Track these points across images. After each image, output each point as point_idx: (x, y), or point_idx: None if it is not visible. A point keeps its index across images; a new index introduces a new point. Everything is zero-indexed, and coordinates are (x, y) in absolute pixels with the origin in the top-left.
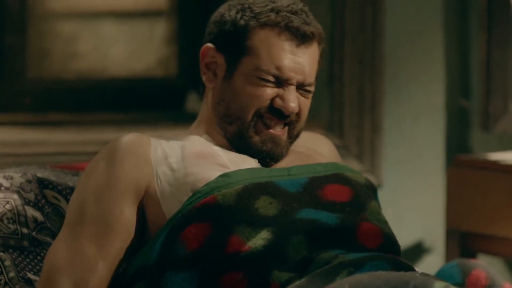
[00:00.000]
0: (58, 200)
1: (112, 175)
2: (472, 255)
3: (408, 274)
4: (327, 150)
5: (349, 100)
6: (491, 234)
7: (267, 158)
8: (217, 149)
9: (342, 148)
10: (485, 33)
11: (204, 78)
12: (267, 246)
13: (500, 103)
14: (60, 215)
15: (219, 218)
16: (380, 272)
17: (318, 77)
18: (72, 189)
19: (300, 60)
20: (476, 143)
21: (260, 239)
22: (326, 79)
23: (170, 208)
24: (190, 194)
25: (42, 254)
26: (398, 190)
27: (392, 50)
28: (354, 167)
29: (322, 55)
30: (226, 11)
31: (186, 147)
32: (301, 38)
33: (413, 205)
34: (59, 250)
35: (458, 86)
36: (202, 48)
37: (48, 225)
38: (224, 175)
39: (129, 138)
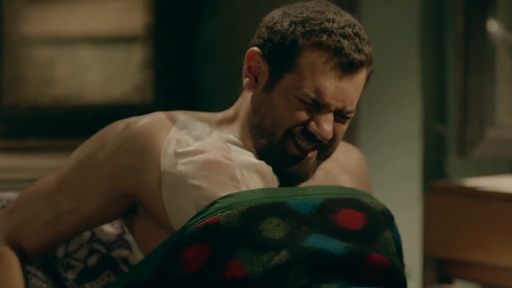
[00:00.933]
0: None
1: (107, 160)
2: (448, 281)
3: None
4: (356, 165)
5: None
6: (467, 260)
7: (291, 179)
8: (237, 155)
9: None
10: (462, 58)
11: (245, 81)
12: (267, 273)
13: (477, 128)
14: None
15: (220, 240)
16: None
17: None
18: None
19: (344, 87)
20: (453, 169)
21: (260, 265)
22: None
23: (175, 213)
24: (193, 206)
25: None
26: None
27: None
28: None
29: (369, 78)
30: (279, 19)
31: (203, 149)
32: (349, 66)
33: None
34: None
35: (435, 112)
36: (249, 50)
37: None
38: (230, 195)
39: (144, 126)
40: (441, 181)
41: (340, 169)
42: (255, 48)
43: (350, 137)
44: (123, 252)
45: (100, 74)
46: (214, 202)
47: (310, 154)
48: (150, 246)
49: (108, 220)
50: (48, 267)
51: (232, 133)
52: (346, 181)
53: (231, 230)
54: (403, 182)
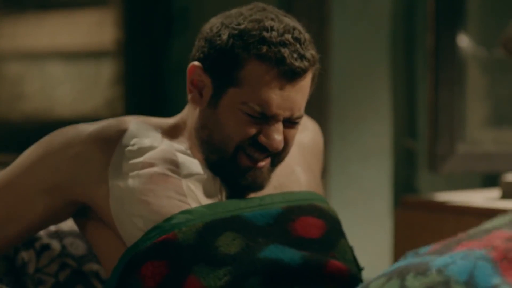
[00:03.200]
0: None
1: (55, 168)
2: None
3: None
4: (310, 140)
5: None
6: None
7: (246, 190)
8: (185, 166)
9: None
10: (432, 73)
11: (189, 96)
12: (223, 287)
13: (447, 143)
14: (5, 258)
15: (177, 257)
16: None
17: None
18: None
19: (289, 96)
20: (423, 183)
21: (217, 279)
22: None
23: (124, 226)
24: (141, 220)
25: None
26: (346, 231)
27: (339, 91)
28: None
29: (314, 79)
30: (218, 31)
31: (150, 161)
32: (292, 75)
33: (361, 246)
34: None
35: (405, 127)
36: (190, 65)
37: None
38: (185, 212)
39: (93, 134)
40: (411, 195)
41: (297, 156)
42: (196, 63)
43: None
44: (94, 266)
45: (70, 89)
46: (170, 218)
47: (262, 164)
48: (103, 248)
49: (57, 222)
50: (18, 283)
51: (180, 142)
52: (297, 180)
53: (188, 247)
54: (373, 197)
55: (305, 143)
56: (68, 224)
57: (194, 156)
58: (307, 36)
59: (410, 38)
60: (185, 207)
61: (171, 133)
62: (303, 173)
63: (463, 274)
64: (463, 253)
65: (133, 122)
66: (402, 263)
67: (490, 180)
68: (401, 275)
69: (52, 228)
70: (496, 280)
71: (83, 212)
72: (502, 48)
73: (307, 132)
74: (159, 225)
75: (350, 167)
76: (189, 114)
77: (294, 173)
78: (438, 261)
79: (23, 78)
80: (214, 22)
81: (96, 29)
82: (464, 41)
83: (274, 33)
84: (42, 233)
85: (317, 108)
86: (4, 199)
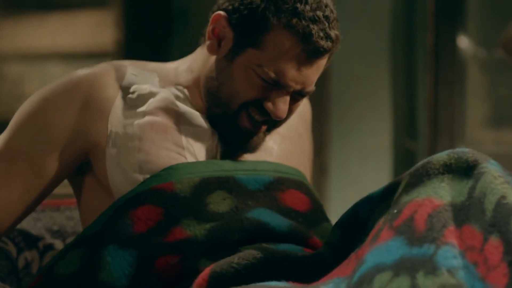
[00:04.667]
0: (6, 243)
1: (55, 122)
2: None
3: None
4: (301, 119)
5: None
6: None
7: (239, 150)
8: (185, 117)
9: None
10: (432, 74)
11: (207, 43)
12: (207, 237)
13: (447, 143)
14: (8, 258)
15: (172, 207)
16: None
17: None
18: (19, 232)
19: (306, 72)
20: None
21: (202, 229)
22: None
23: (115, 177)
24: (137, 168)
25: None
26: None
27: (338, 91)
28: None
29: (331, 56)
30: None
31: (151, 111)
32: (315, 53)
33: None
34: None
35: (405, 127)
36: (215, 13)
37: None
38: (185, 164)
39: (90, 82)
40: None
41: (280, 137)
42: (222, 13)
43: (320, 153)
44: None
45: None
46: (170, 168)
47: (259, 128)
48: (89, 207)
49: (64, 178)
50: (21, 283)
51: (183, 89)
52: (287, 150)
53: (183, 199)
54: None
55: (295, 115)
56: (71, 225)
57: (194, 105)
58: (335, 14)
59: (410, 37)
60: (182, 160)
61: (170, 78)
62: (294, 150)
63: (469, 286)
64: (464, 263)
65: (130, 67)
66: (398, 251)
67: None
68: (410, 272)
69: (55, 227)
70: None
71: (81, 169)
72: (502, 49)
73: (299, 110)
74: (159, 173)
75: (349, 167)
76: (200, 60)
77: (284, 142)
78: (441, 258)
79: (24, 79)
80: None
81: (96, 30)
82: (463, 41)
83: (307, 7)
84: (45, 233)
85: (317, 107)
86: (13, 167)
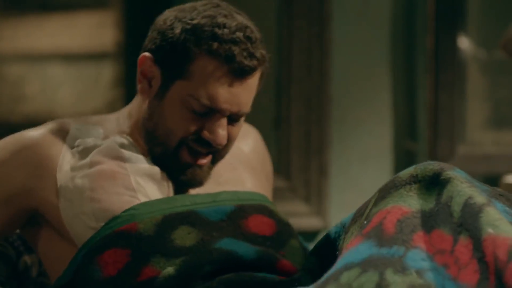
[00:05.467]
0: (5, 247)
1: (3, 179)
2: None
3: None
4: (251, 148)
5: (296, 142)
6: None
7: (186, 186)
8: (131, 161)
9: (289, 191)
10: (432, 75)
11: (139, 86)
12: (179, 272)
13: (447, 145)
14: (7, 262)
15: (138, 248)
16: None
17: (265, 119)
18: (18, 237)
19: (237, 92)
20: None
21: (173, 265)
22: (273, 122)
23: (74, 227)
24: (93, 218)
25: None
26: None
27: (339, 93)
28: (301, 210)
29: (262, 77)
30: (171, 24)
31: (97, 160)
32: (241, 73)
33: None
34: None
35: (405, 129)
36: (141, 56)
37: None
38: (145, 203)
39: (35, 142)
40: None
41: (240, 161)
42: (147, 54)
43: (320, 155)
44: None
45: (71, 91)
46: (130, 209)
47: (204, 161)
48: (52, 257)
49: (10, 233)
50: (21, 287)
51: (125, 136)
52: (241, 177)
53: (147, 238)
54: None
55: (246, 151)
56: None
57: (138, 149)
58: (258, 35)
59: (410, 39)
60: (136, 202)
61: (113, 128)
62: (248, 178)
63: (439, 286)
64: (433, 265)
65: (73, 123)
66: (367, 251)
67: (490, 182)
68: (378, 268)
69: None
70: None
71: (33, 221)
72: (502, 50)
73: (249, 140)
74: (120, 215)
75: (350, 169)
76: (137, 105)
77: (237, 170)
78: (410, 260)
79: (24, 80)
80: (168, 15)
81: (97, 31)
82: (464, 42)
83: (226, 30)
84: None
85: (317, 109)
86: None
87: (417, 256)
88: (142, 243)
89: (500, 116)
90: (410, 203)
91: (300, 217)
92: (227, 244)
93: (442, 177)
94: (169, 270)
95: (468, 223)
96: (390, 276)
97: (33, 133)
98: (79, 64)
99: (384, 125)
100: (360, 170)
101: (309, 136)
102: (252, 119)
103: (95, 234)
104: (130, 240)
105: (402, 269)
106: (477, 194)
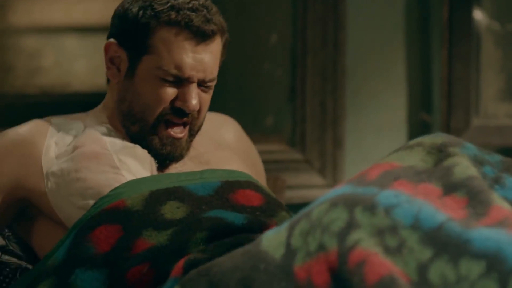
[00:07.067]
0: None
1: None
2: None
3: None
4: (232, 136)
5: (311, 114)
6: None
7: (166, 160)
8: (112, 143)
9: (304, 163)
10: (447, 48)
11: (108, 73)
12: (171, 241)
13: (462, 117)
14: (19, 237)
15: (129, 222)
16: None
17: (280, 92)
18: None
19: (201, 58)
20: None
21: (165, 235)
22: (288, 93)
23: (63, 209)
24: (81, 199)
25: (5, 273)
26: None
27: (353, 65)
28: (316, 182)
29: (225, 47)
30: (129, 6)
31: (79, 144)
32: (202, 36)
33: None
34: None
35: (420, 101)
36: (105, 43)
37: (10, 247)
38: (131, 182)
39: (20, 135)
40: None
41: (223, 144)
42: (111, 40)
43: (335, 127)
44: None
45: (86, 64)
46: (116, 188)
47: (181, 135)
48: (47, 246)
49: (4, 224)
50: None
51: (102, 121)
52: (224, 158)
53: (137, 213)
54: None
55: (227, 138)
56: None
57: (118, 135)
58: (214, 6)
59: (425, 12)
60: (121, 179)
61: (92, 121)
62: (232, 160)
63: (409, 218)
64: (407, 196)
65: (54, 119)
66: (342, 190)
67: (505, 153)
68: (348, 205)
69: None
70: (440, 217)
71: (26, 216)
72: None
73: (230, 127)
74: (107, 194)
75: (364, 141)
76: (110, 95)
77: (220, 151)
78: (383, 198)
79: (40, 53)
80: (125, 1)
81: (112, 3)
82: (478, 15)
83: (182, 1)
84: None
85: (332, 81)
86: None
87: (391, 194)
88: (132, 218)
89: None
90: (406, 159)
91: (315, 189)
92: (216, 213)
93: (449, 149)
94: (160, 241)
95: (473, 193)
96: (359, 214)
97: (17, 129)
98: (95, 37)
99: (399, 97)
100: (375, 142)
101: (324, 108)
102: (267, 91)
103: (85, 214)
104: (119, 216)
105: (371, 207)
106: (479, 176)
